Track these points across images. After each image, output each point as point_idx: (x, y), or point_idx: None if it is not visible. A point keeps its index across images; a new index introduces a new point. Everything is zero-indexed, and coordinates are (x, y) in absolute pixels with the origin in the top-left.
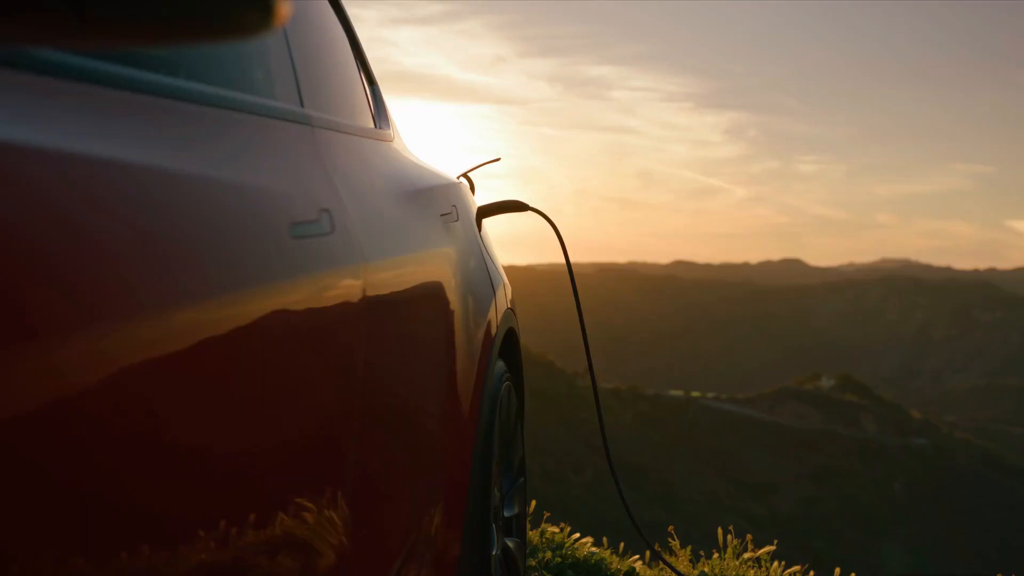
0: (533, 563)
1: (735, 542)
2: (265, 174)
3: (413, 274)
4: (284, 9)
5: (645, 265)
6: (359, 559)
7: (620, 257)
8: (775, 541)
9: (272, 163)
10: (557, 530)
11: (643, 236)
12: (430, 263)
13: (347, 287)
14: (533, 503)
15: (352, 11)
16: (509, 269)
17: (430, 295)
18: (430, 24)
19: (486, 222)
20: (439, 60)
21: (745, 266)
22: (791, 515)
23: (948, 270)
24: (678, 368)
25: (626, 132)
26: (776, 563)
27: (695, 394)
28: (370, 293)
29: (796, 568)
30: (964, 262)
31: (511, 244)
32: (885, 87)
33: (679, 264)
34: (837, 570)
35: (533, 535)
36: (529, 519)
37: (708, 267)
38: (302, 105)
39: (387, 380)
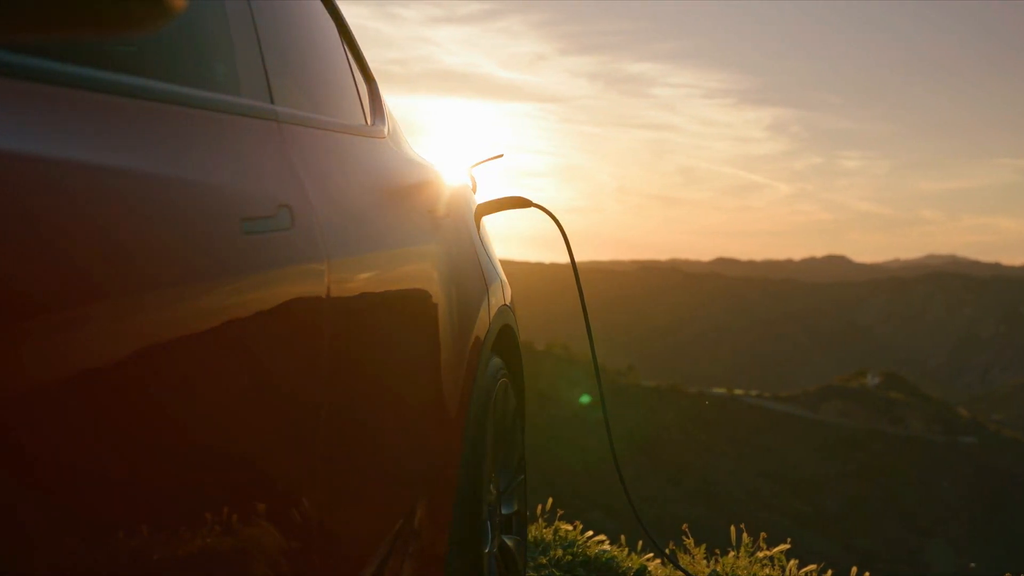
0: (544, 560)
1: (748, 540)
2: (218, 170)
3: (388, 271)
4: (177, 2)
5: (687, 263)
6: (338, 552)
7: (661, 255)
8: (808, 539)
9: (228, 159)
10: (570, 528)
11: (685, 233)
12: (409, 260)
13: (309, 282)
14: (550, 500)
15: (392, 11)
16: (544, 266)
17: (407, 292)
18: (471, 23)
19: (492, 219)
20: (480, 59)
21: (788, 263)
22: (836, 514)
23: (996, 266)
24: (720, 366)
25: (667, 129)
26: (792, 561)
27: (738, 392)
28: (335, 289)
29: (812, 567)
30: (1012, 258)
31: (551, 241)
32: (929, 82)
33: (721, 261)
34: (854, 569)
35: (546, 533)
36: (544, 516)
37: (751, 264)
38: (272, 102)
39: (358, 377)
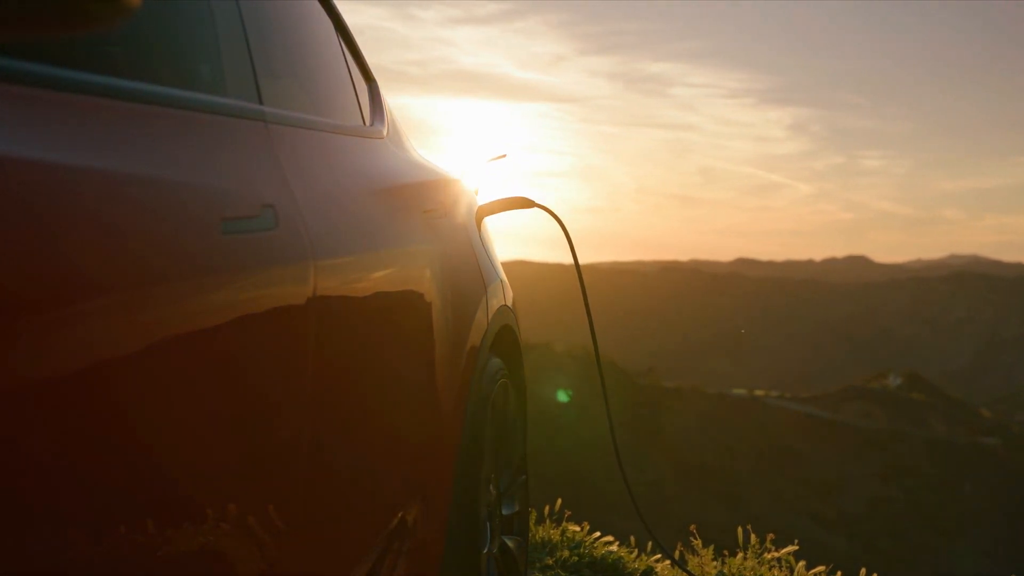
0: (551, 561)
1: (755, 541)
2: (201, 170)
3: (378, 272)
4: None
5: (708, 263)
6: (331, 550)
7: (682, 255)
8: (830, 541)
9: (212, 159)
10: (577, 528)
11: (705, 234)
12: (401, 261)
13: (294, 283)
14: (559, 501)
15: (410, 11)
16: (565, 268)
17: (397, 293)
18: (489, 23)
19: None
20: (498, 59)
21: (809, 263)
22: (858, 515)
23: (1019, 266)
24: (741, 367)
25: (687, 129)
26: (800, 563)
27: (759, 393)
28: (321, 289)
29: (821, 568)
30: None
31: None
32: (949, 81)
33: (742, 262)
34: (863, 571)
35: (554, 533)
36: (553, 517)
37: (772, 264)
38: (260, 102)
39: (346, 378)
